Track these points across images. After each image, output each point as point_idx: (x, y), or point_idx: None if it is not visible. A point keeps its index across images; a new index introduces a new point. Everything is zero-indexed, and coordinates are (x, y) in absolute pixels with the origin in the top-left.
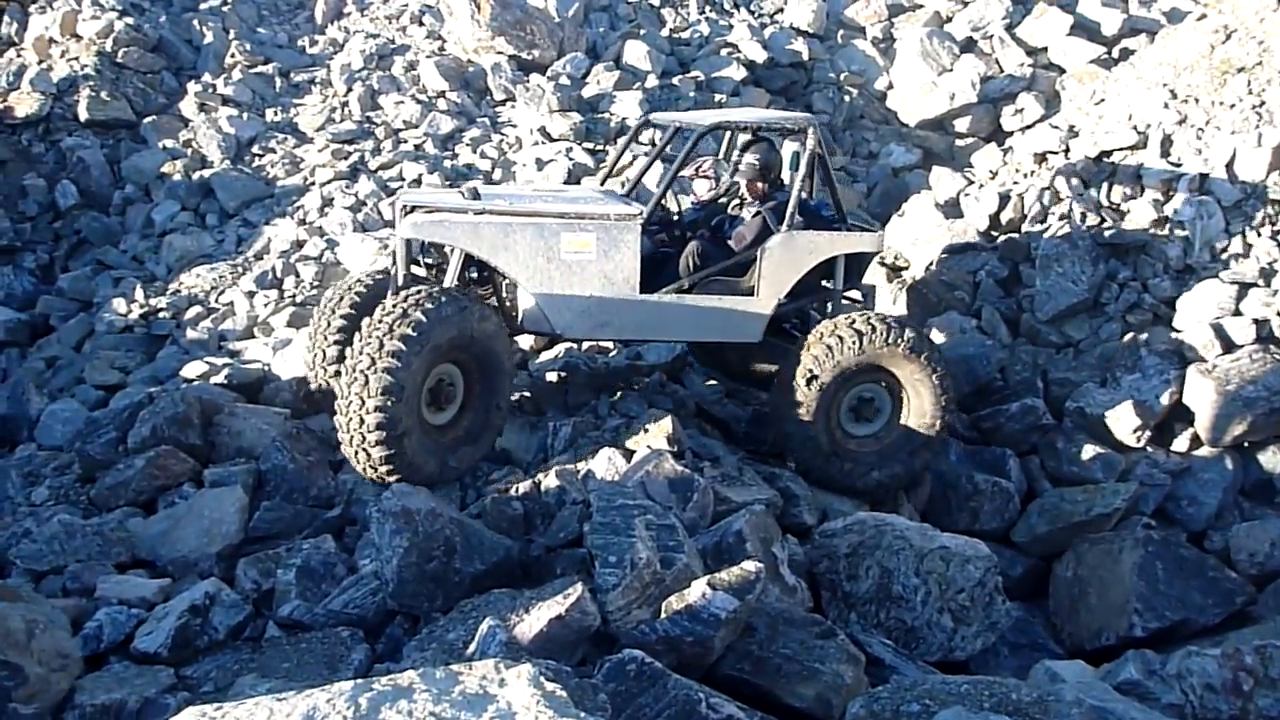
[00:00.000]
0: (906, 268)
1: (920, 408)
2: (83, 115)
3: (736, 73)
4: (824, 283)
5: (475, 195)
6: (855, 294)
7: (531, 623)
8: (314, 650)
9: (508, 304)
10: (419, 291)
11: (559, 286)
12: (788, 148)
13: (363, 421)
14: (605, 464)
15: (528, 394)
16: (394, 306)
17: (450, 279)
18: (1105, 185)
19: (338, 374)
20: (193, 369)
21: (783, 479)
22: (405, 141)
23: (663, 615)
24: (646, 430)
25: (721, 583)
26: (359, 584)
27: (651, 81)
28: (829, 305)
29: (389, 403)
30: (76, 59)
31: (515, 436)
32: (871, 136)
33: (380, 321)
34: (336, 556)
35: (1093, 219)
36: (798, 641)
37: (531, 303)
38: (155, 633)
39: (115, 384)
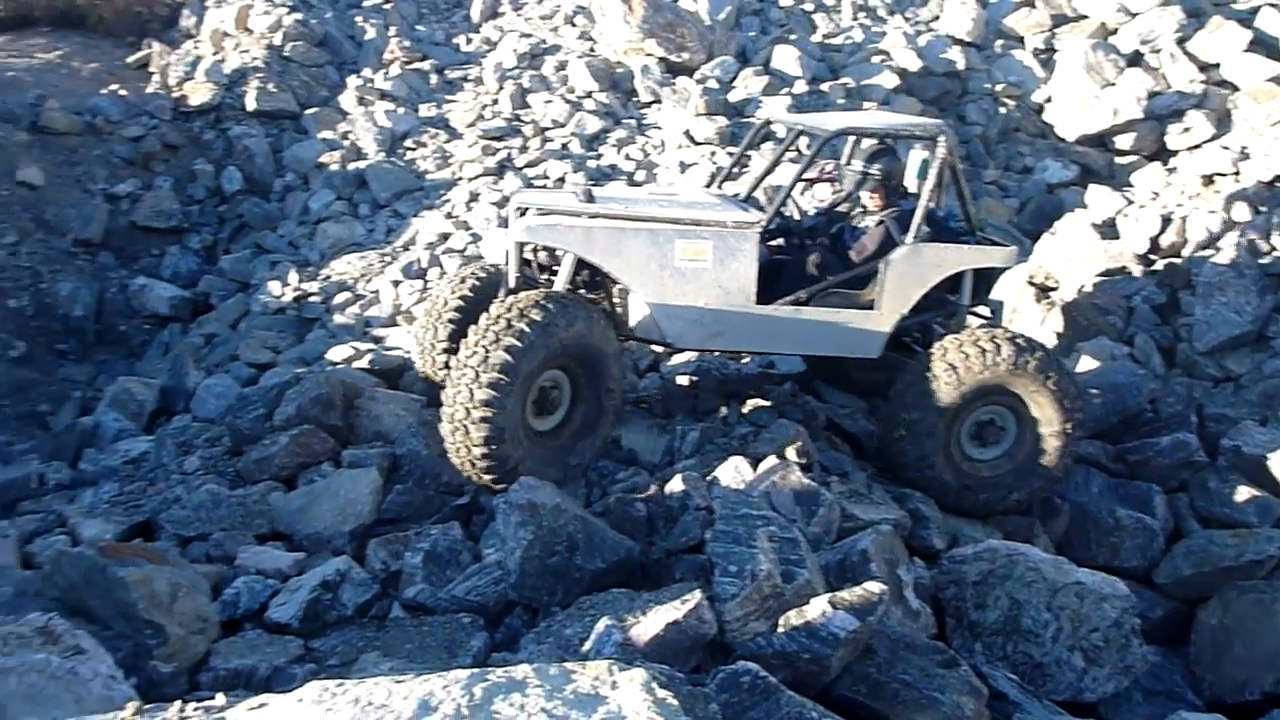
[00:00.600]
0: (1056, 288)
1: (1046, 433)
2: (250, 105)
3: (888, 80)
4: (948, 296)
5: (589, 198)
6: (983, 309)
7: (648, 625)
8: (435, 634)
9: (619, 310)
10: (529, 297)
11: (672, 295)
12: (914, 156)
13: (468, 431)
14: (731, 471)
15: (657, 396)
16: (503, 312)
17: (562, 283)
18: (1278, 212)
19: (446, 367)
20: (338, 352)
21: (913, 500)
22: (552, 140)
23: (780, 630)
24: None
25: (843, 602)
26: (482, 572)
27: (800, 87)
28: (953, 320)
29: (493, 413)
30: (247, 52)
31: (643, 438)
32: (1026, 150)
33: (489, 328)
34: (462, 544)
35: (1262, 246)
36: (918, 668)
37: (643, 310)
38: (288, 604)
39: (266, 363)
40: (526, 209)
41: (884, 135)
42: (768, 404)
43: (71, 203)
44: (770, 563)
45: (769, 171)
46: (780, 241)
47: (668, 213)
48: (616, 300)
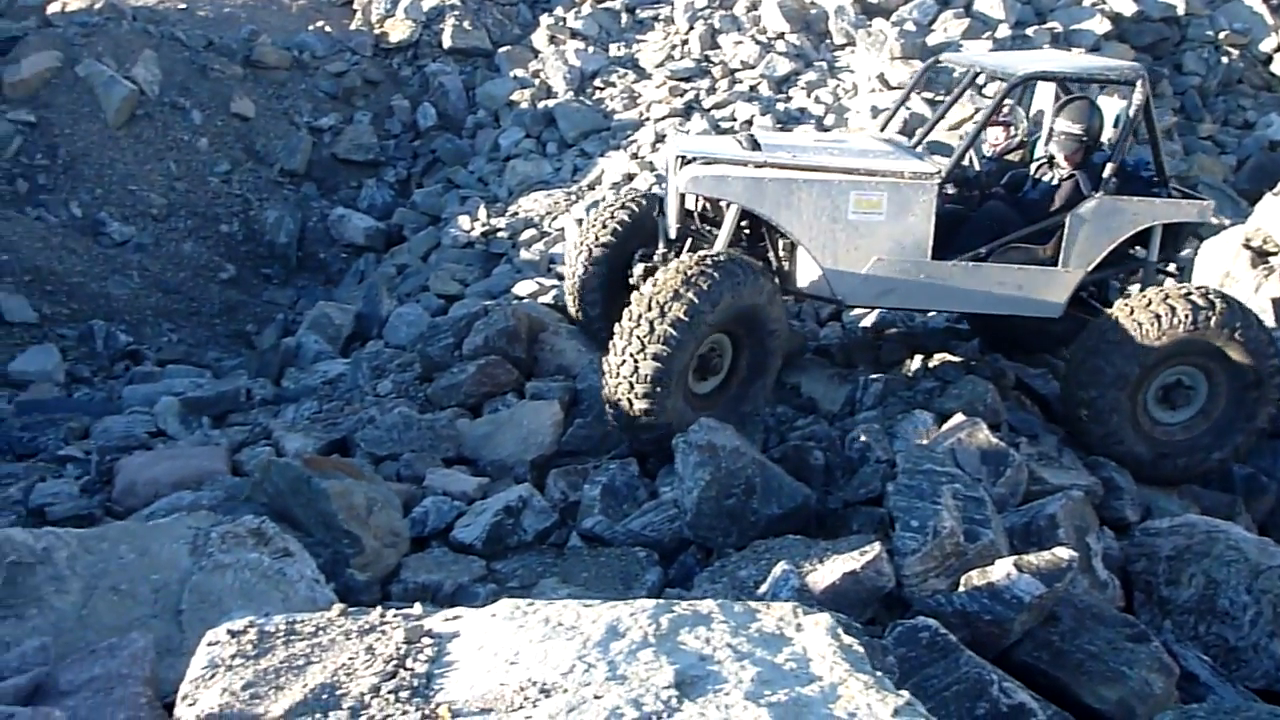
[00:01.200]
0: (1276, 253)
1: (1240, 386)
2: (446, 43)
3: (1099, 25)
4: (1130, 251)
5: (754, 145)
6: (1171, 266)
7: (825, 573)
8: (611, 565)
9: (784, 265)
10: (696, 261)
11: (843, 249)
12: (1106, 104)
13: (631, 403)
14: (915, 426)
15: (839, 346)
16: (670, 279)
17: (725, 237)
18: None
19: (589, 306)
20: (523, 287)
21: (1106, 468)
22: (740, 82)
23: (960, 589)
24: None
25: (1029, 565)
26: (658, 509)
27: (1003, 31)
28: (1138, 277)
29: (658, 386)
30: None
31: (822, 387)
32: (1248, 104)
33: (654, 297)
34: (639, 480)
35: None
36: (1105, 640)
37: (812, 266)
38: (472, 526)
39: (454, 294)
40: (688, 157)
41: (1076, 79)
42: (955, 359)
43: (279, 134)
44: (954, 520)
45: (941, 117)
46: (952, 192)
47: (840, 162)
48: (782, 255)
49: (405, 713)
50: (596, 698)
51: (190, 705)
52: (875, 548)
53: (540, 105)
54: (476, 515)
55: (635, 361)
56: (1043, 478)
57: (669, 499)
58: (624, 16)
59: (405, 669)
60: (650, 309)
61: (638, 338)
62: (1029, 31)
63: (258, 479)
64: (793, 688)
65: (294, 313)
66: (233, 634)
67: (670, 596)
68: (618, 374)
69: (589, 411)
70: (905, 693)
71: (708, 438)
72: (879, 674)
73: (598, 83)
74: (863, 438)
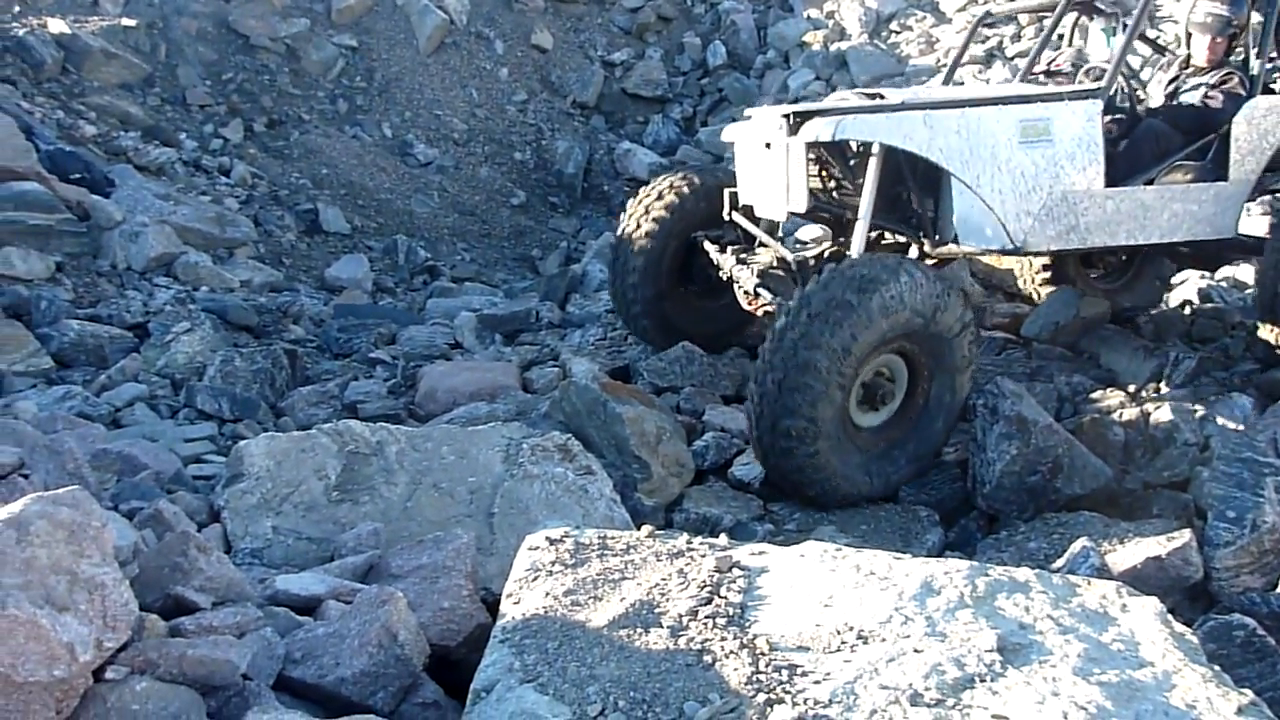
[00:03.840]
0: None
1: None
2: None
3: None
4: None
5: (874, 97)
6: None
7: (1125, 555)
8: (891, 520)
9: (937, 223)
10: (865, 262)
11: (1014, 185)
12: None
13: (774, 425)
14: (1233, 410)
15: (1147, 317)
16: (833, 278)
17: (869, 192)
18: None
19: (640, 296)
20: (807, 232)
21: None
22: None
23: None
24: None
25: None
26: (941, 469)
27: None
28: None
29: (807, 423)
30: None
31: (1125, 359)
32: None
33: (809, 298)
34: None
35: None
36: None
37: (977, 212)
38: (751, 465)
39: None
40: (798, 116)
41: None
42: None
43: (574, 67)
44: (1276, 515)
45: (1045, 43)
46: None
47: (988, 92)
48: (932, 211)
49: (724, 639)
50: (916, 651)
51: (516, 604)
52: (1185, 535)
53: (833, 47)
54: None
55: (781, 376)
56: None
57: (952, 460)
58: None
59: (720, 596)
60: (802, 313)
61: (791, 340)
62: None
63: (557, 397)
64: (1122, 669)
65: (576, 241)
66: (551, 541)
67: (951, 558)
68: (759, 393)
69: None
70: (1249, 691)
71: (1017, 409)
72: (1217, 670)
73: (894, 26)
74: (1170, 416)
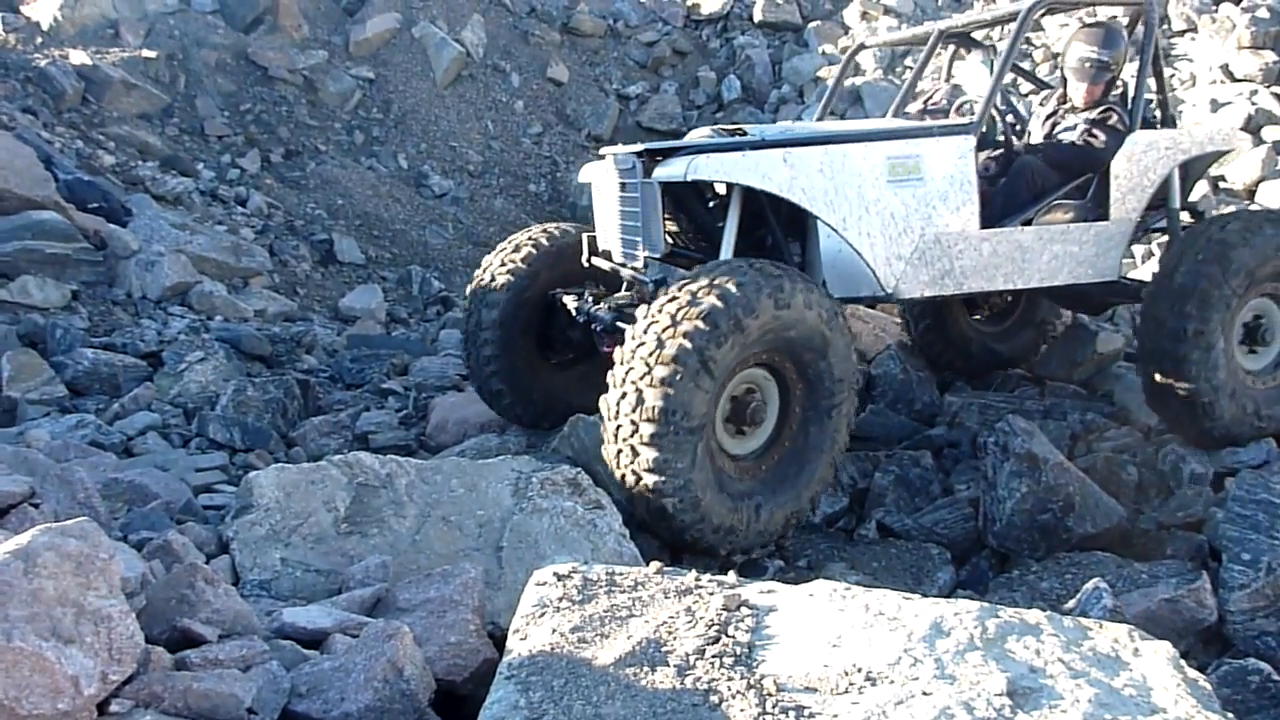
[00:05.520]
0: None
1: None
2: (757, 16)
3: None
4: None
5: (738, 133)
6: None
7: (1138, 597)
8: (902, 558)
9: (805, 265)
10: (724, 266)
11: (883, 228)
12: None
13: (635, 451)
14: (1252, 450)
15: None
16: (688, 284)
17: (730, 235)
18: None
19: (493, 356)
20: None
21: None
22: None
23: None
24: None
25: None
26: (953, 507)
27: None
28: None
29: (669, 438)
30: None
31: (1139, 397)
32: None
33: (662, 308)
34: (933, 473)
35: None
36: None
37: (844, 259)
38: None
39: None
40: (656, 152)
41: (1088, 5)
42: None
43: (589, 100)
44: None
45: (917, 77)
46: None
47: (858, 129)
48: (798, 256)
49: (731, 679)
50: (925, 694)
51: (522, 640)
52: (1202, 577)
53: (847, 83)
54: None
55: (640, 392)
56: None
57: (965, 497)
58: None
59: (728, 635)
60: (659, 321)
61: (643, 359)
62: None
63: (565, 432)
64: (1134, 716)
65: None
66: (559, 577)
67: (962, 596)
68: (615, 414)
69: (881, 398)
70: None
71: (1028, 446)
72: (1229, 715)
73: (909, 62)
74: (1184, 456)
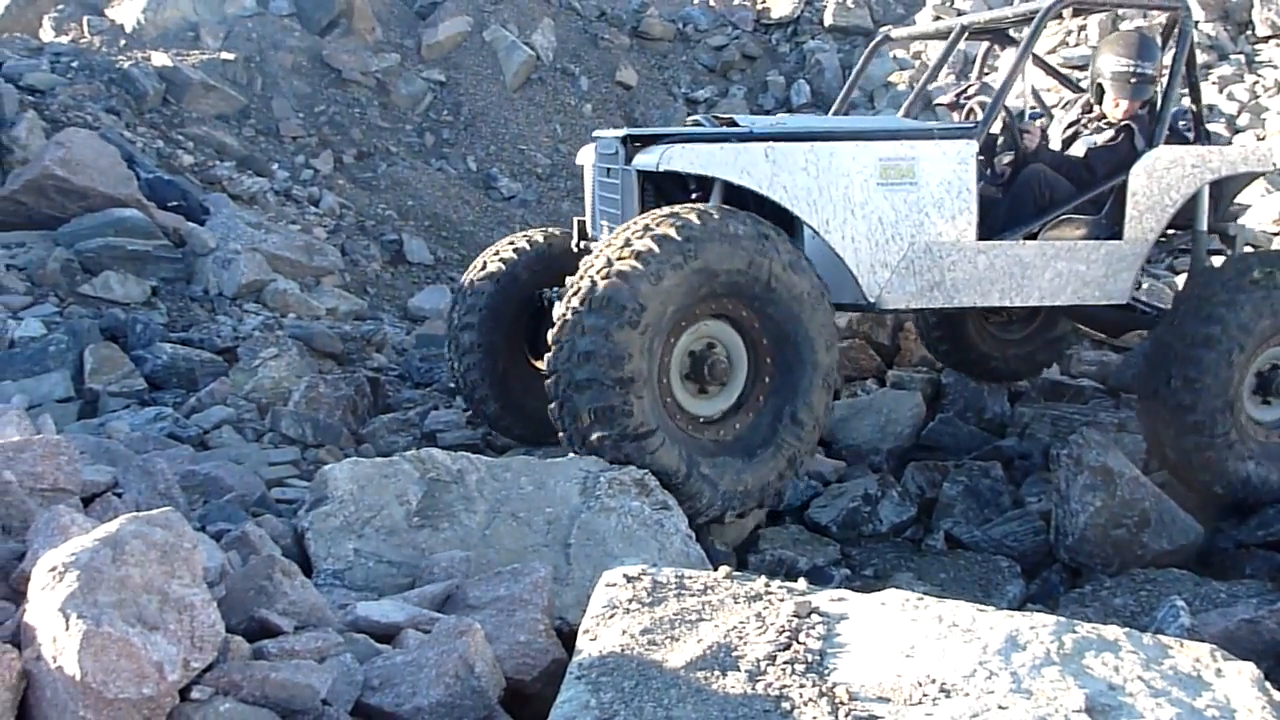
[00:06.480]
0: None
1: None
2: (827, 20)
3: None
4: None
5: (729, 124)
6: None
7: (1216, 616)
8: (971, 570)
9: None
10: (668, 209)
11: (870, 234)
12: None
13: (575, 410)
14: None
15: None
16: (626, 230)
17: None
18: None
19: (477, 363)
20: None
21: None
22: None
23: None
24: None
25: None
26: (1024, 519)
27: None
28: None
29: (608, 369)
30: None
31: None
32: None
33: (602, 252)
34: (1003, 485)
35: None
36: None
37: (828, 261)
38: (829, 508)
39: None
40: (638, 138)
41: (1115, 6)
42: None
43: (657, 104)
44: None
45: (934, 73)
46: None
47: (852, 126)
48: None
49: (803, 686)
50: (1001, 708)
51: (592, 640)
52: None
53: (917, 87)
54: (834, 498)
55: (573, 343)
56: None
57: (1036, 510)
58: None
59: (798, 642)
60: (596, 264)
61: (574, 307)
62: None
63: None
64: None
65: None
66: (628, 579)
67: (1032, 610)
68: (557, 353)
69: (951, 407)
70: None
71: (1102, 460)
72: None
73: (985, 67)
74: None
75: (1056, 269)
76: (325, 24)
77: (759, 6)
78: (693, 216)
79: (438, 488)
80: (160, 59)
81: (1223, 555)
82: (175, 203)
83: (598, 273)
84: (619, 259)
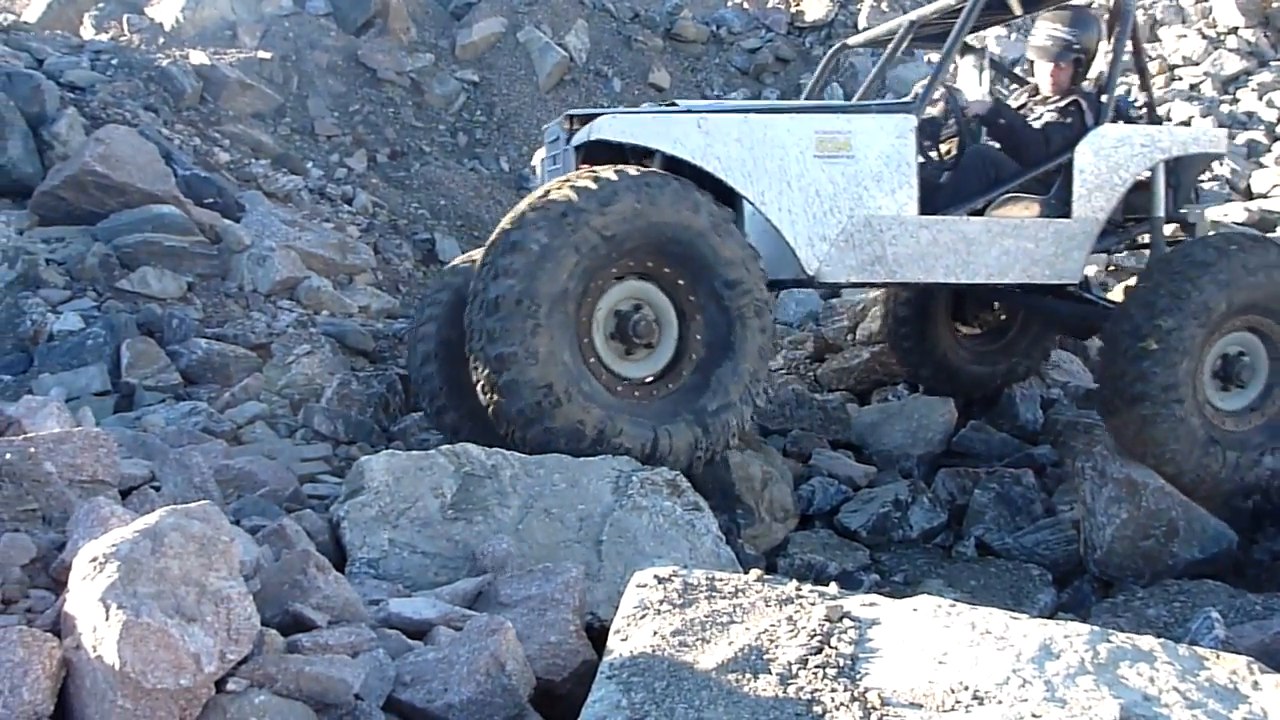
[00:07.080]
0: None
1: None
2: (861, 24)
3: None
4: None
5: (671, 107)
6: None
7: (1252, 629)
8: (1002, 577)
9: None
10: (566, 176)
11: (807, 206)
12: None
13: (487, 365)
14: None
15: None
16: (525, 203)
17: None
18: None
19: (435, 375)
20: None
21: None
22: (1180, 79)
23: None
24: None
25: None
26: (1055, 528)
27: None
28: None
29: (518, 324)
30: None
31: None
32: None
33: (502, 226)
34: (1035, 492)
35: None
36: None
37: (766, 234)
38: (859, 513)
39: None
40: (578, 118)
41: None
42: None
43: None
44: None
45: (884, 68)
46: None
47: (791, 105)
48: None
49: (834, 690)
50: (1035, 716)
51: (624, 640)
52: None
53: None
54: (864, 503)
55: (481, 321)
56: None
57: (1068, 519)
58: None
59: (830, 646)
60: (497, 239)
61: (482, 280)
62: None
63: None
64: None
65: None
66: (660, 580)
67: (1064, 619)
68: (471, 316)
69: (983, 413)
70: None
71: (1126, 471)
72: None
73: (1016, 71)
74: None
75: (1004, 246)
76: (361, 24)
77: (793, 9)
78: (611, 173)
79: (472, 482)
80: (198, 57)
81: (1258, 567)
82: (211, 200)
83: (510, 223)
84: (532, 208)
